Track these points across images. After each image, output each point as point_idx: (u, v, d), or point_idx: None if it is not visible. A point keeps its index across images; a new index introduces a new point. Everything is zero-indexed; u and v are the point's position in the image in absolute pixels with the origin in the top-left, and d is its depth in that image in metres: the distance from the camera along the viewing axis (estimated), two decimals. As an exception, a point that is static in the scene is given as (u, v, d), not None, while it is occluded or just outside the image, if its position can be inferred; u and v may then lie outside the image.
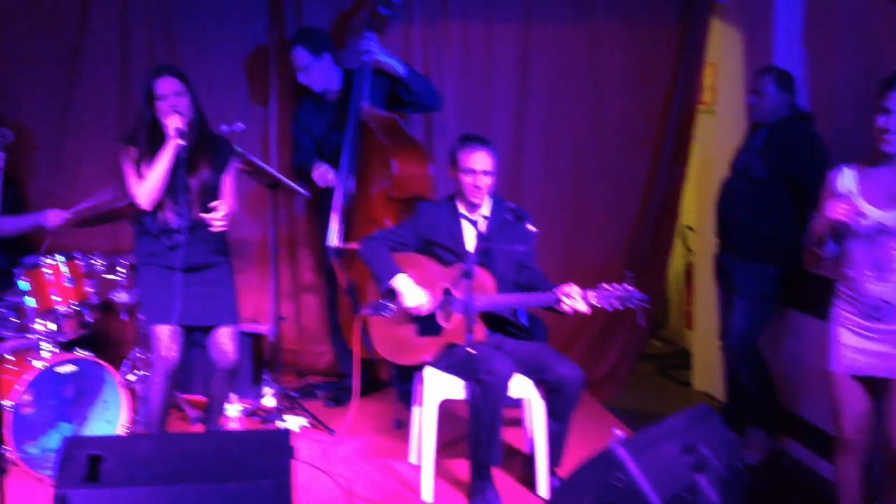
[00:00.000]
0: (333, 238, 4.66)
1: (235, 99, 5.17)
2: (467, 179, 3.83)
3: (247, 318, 5.02)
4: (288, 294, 5.36)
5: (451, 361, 3.80)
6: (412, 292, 3.78)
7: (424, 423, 3.83)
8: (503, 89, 5.31)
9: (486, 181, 3.83)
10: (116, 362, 4.48)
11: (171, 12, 5.11)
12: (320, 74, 4.77)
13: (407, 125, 4.87)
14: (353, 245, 4.51)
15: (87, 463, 2.76)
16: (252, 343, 4.97)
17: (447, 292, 3.81)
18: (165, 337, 3.80)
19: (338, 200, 4.67)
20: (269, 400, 4.79)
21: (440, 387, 3.82)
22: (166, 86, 3.74)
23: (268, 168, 4.59)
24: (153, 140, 3.74)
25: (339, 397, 5.02)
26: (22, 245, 4.85)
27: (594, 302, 3.61)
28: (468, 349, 3.33)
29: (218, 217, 3.71)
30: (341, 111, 4.76)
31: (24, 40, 5.03)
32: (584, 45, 5.29)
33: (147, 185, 3.72)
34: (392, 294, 3.83)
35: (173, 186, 3.73)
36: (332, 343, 5.27)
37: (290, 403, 4.82)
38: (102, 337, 5.02)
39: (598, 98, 5.34)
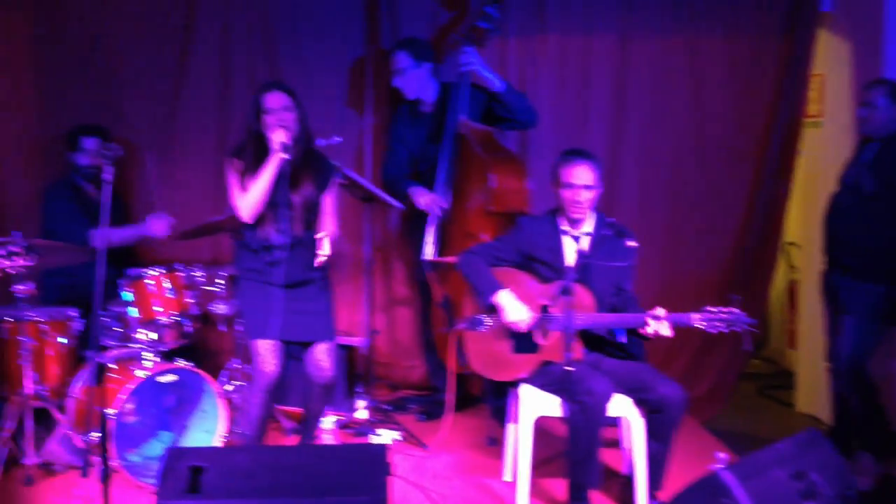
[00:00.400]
0: (429, 251, 4.65)
1: (331, 113, 5.22)
2: (567, 194, 3.77)
3: (341, 331, 5.00)
4: (381, 307, 5.38)
5: (547, 379, 3.74)
6: (514, 308, 3.73)
7: (520, 441, 3.77)
8: (600, 103, 5.24)
9: (586, 196, 3.76)
10: (214, 372, 4.54)
11: (271, 30, 5.21)
12: (416, 81, 4.78)
13: (503, 139, 4.83)
14: (449, 259, 4.49)
15: (188, 474, 2.79)
16: (346, 355, 4.99)
17: (545, 309, 3.75)
18: (265, 351, 3.83)
19: (432, 214, 4.66)
20: (361, 413, 4.81)
21: (536, 404, 3.76)
22: (274, 100, 3.78)
23: (364, 182, 4.61)
24: (258, 153, 3.78)
25: (431, 411, 5.01)
26: (125, 256, 4.99)
27: (699, 325, 3.51)
28: (567, 367, 3.27)
29: (322, 253, 3.73)
30: (437, 124, 4.75)
31: (132, 61, 5.19)
32: (683, 59, 5.19)
33: (249, 198, 3.76)
34: (493, 309, 3.79)
35: (275, 202, 3.77)
36: (425, 357, 5.26)
37: (382, 416, 4.82)
38: (200, 347, 5.11)
39: (699, 112, 5.22)
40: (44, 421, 4.26)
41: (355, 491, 2.71)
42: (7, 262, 3.26)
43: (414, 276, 5.21)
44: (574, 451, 3.52)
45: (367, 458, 2.88)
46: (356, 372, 5.11)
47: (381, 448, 2.95)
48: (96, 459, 3.93)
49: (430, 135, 4.81)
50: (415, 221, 4.86)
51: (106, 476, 3.19)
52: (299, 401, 4.49)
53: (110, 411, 3.92)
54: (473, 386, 5.22)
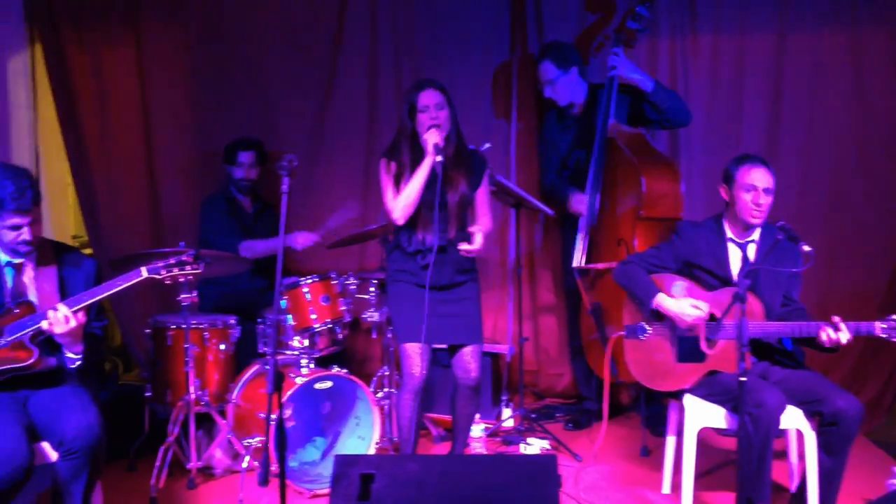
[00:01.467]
0: (578, 258, 4.57)
1: (476, 119, 5.21)
2: (746, 197, 3.63)
3: (486, 339, 5.01)
4: (527, 314, 5.33)
5: (713, 389, 3.60)
6: (679, 305, 3.63)
7: (684, 453, 3.65)
8: (754, 104, 5.06)
9: (766, 200, 3.62)
10: (363, 379, 4.58)
11: (416, 38, 5.27)
12: (566, 88, 4.72)
13: (653, 140, 4.71)
14: (599, 266, 4.40)
15: (359, 482, 2.80)
16: (491, 363, 4.96)
17: (712, 318, 3.62)
18: (415, 355, 3.83)
19: (584, 220, 4.58)
20: (509, 421, 4.77)
21: (700, 415, 3.63)
22: (428, 98, 3.78)
23: (514, 188, 4.56)
24: (412, 153, 3.78)
25: (578, 420, 4.93)
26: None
27: (882, 334, 3.33)
28: (741, 379, 3.13)
29: (473, 247, 3.70)
30: (585, 127, 4.68)
31: (284, 76, 5.33)
32: (845, 55, 4.95)
33: (402, 200, 3.76)
34: (658, 315, 3.68)
35: (430, 204, 3.76)
36: (572, 365, 5.18)
37: (530, 425, 4.77)
38: (350, 353, 5.17)
39: (860, 112, 4.98)
40: (205, 426, 4.40)
41: (527, 502, 2.65)
42: (177, 271, 3.36)
43: (561, 283, 5.14)
44: (744, 465, 3.37)
45: (538, 470, 2.82)
46: (502, 380, 5.08)
47: (551, 459, 2.89)
48: (253, 464, 4.02)
49: (576, 138, 4.74)
50: (564, 228, 4.79)
51: (265, 480, 3.23)
52: (446, 408, 4.48)
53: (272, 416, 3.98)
54: (622, 395, 5.11)
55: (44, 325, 3.17)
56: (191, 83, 5.35)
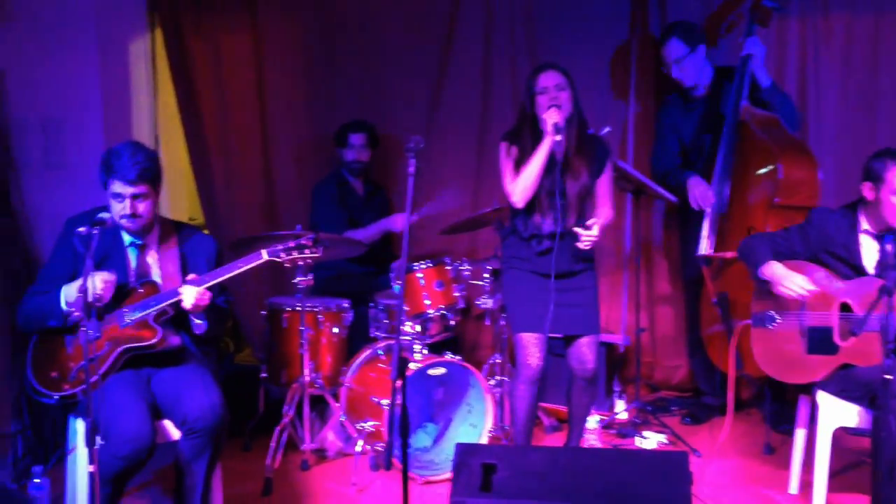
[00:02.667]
0: (704, 246, 4.40)
1: (593, 102, 5.03)
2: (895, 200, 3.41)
3: (601, 328, 4.89)
4: (643, 304, 5.16)
5: (846, 385, 3.41)
6: (788, 276, 3.48)
7: (817, 453, 3.47)
8: (891, 89, 4.76)
9: None
10: (474, 366, 4.52)
11: (533, 18, 5.15)
12: (694, 67, 4.54)
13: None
14: (727, 254, 4.22)
15: (481, 471, 2.73)
16: (605, 353, 4.83)
17: (846, 308, 3.43)
18: (531, 345, 3.73)
19: (711, 206, 4.40)
20: (623, 413, 4.64)
21: (835, 413, 3.44)
22: (547, 79, 3.68)
23: (636, 173, 4.43)
24: (533, 139, 3.68)
25: (696, 414, 4.77)
26: (390, 251, 5.09)
27: None
28: (887, 377, 2.94)
29: (591, 235, 3.59)
30: (710, 110, 4.50)
31: (397, 58, 5.29)
32: None
33: (521, 182, 3.66)
34: (780, 306, 3.51)
35: (550, 189, 3.66)
36: (691, 358, 5.00)
37: (645, 418, 4.63)
38: (460, 340, 5.12)
39: None
40: (318, 408, 4.41)
41: (657, 500, 2.54)
42: (297, 254, 3.35)
43: (681, 272, 4.96)
44: (881, 467, 3.17)
45: (669, 466, 2.71)
46: (616, 371, 4.95)
47: (682, 456, 2.77)
48: (366, 448, 4.00)
49: (702, 122, 4.56)
50: (687, 214, 4.61)
51: (387, 464, 3.20)
52: (561, 398, 4.38)
53: (384, 401, 3.97)
54: (743, 390, 4.91)
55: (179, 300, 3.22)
56: (305, 69, 5.35)
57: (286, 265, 3.36)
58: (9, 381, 4.11)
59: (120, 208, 3.26)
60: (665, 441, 4.40)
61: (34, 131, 4.70)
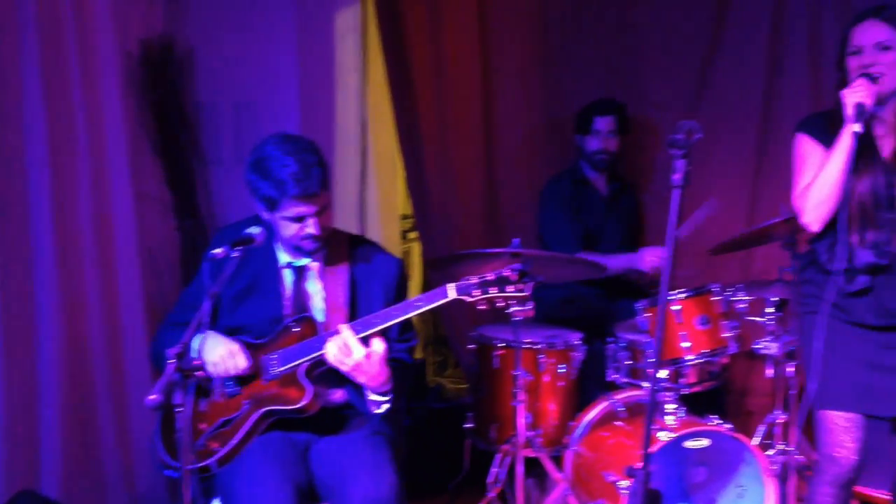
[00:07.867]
0: None
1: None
2: None
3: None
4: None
5: None
6: None
7: None
8: None
9: None
10: (743, 418, 3.70)
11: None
12: None
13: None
14: None
15: None
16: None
17: None
18: (841, 430, 2.60)
19: None
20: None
21: None
22: (865, 34, 2.52)
23: None
24: (831, 124, 2.56)
25: None
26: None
27: None
28: None
29: None
30: None
31: (655, 27, 4.32)
32: None
33: (813, 195, 2.54)
34: None
35: (868, 199, 2.53)
36: None
37: None
38: (723, 387, 3.98)
39: None
40: (536, 471, 3.50)
41: None
42: (495, 293, 2.35)
43: None
44: None
45: None
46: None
47: None
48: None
49: None
50: None
51: None
52: (884, 481, 3.16)
53: (621, 484, 2.95)
54: None
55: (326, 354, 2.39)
56: (540, 40, 4.47)
57: (480, 307, 2.40)
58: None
59: (297, 229, 2.48)
60: None
61: (225, 119, 4.14)
